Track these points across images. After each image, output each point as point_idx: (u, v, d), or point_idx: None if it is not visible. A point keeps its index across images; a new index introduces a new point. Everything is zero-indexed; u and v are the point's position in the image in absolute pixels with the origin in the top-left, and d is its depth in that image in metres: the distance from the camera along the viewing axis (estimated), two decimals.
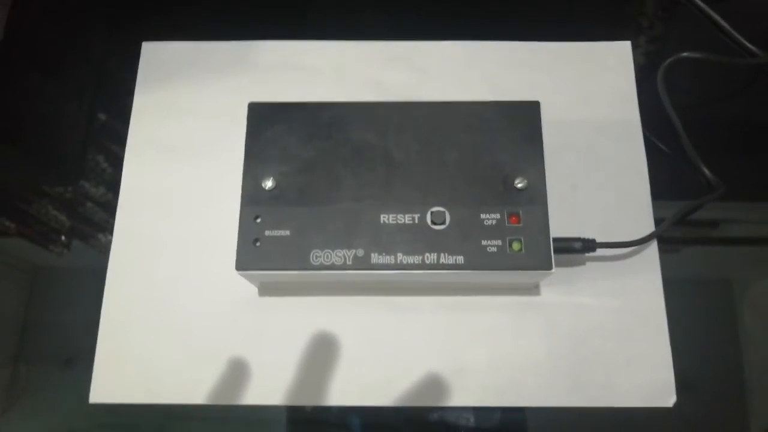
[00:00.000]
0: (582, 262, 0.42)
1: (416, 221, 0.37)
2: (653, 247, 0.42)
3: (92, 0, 0.52)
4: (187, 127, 0.46)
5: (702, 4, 0.48)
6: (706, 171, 0.43)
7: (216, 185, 0.44)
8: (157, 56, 0.48)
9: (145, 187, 0.45)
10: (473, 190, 0.37)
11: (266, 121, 0.39)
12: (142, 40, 0.49)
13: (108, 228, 0.44)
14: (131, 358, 0.41)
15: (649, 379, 0.40)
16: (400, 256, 0.36)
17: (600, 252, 0.41)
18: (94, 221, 0.46)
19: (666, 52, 0.47)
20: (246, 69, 0.48)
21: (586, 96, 0.47)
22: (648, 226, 0.43)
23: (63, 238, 0.44)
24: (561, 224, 0.41)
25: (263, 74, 0.48)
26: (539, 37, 0.48)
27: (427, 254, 0.36)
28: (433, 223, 0.37)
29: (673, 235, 0.43)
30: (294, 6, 0.51)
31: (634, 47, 0.48)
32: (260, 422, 0.40)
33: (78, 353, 0.42)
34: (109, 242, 0.43)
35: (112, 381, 0.40)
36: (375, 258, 0.36)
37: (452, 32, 0.49)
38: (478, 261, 0.36)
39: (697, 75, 0.48)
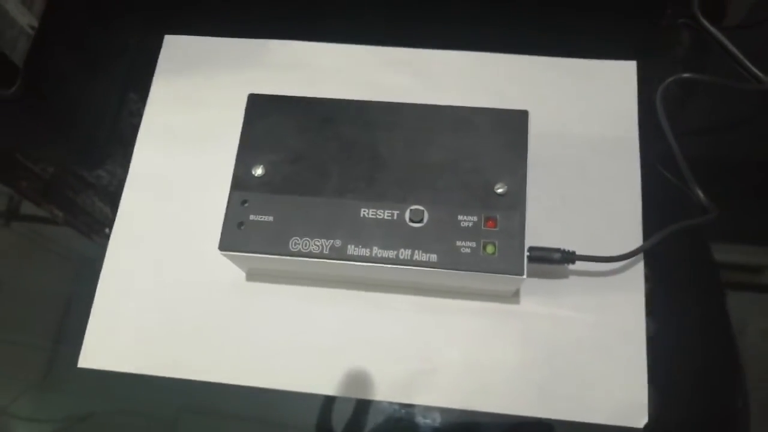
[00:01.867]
0: (565, 275, 0.42)
1: (395, 217, 0.38)
2: (638, 265, 0.42)
3: None
4: (198, 117, 0.49)
5: (710, 26, 0.48)
6: (701, 194, 0.43)
7: (218, 172, 0.45)
8: (177, 49, 0.51)
9: (151, 170, 0.47)
10: (454, 191, 0.38)
11: (263, 112, 0.41)
12: (167, 32, 0.52)
13: None
14: (122, 329, 0.43)
15: (621, 397, 0.39)
16: (375, 249, 0.37)
17: (584, 266, 0.41)
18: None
19: (671, 72, 0.47)
20: (257, 65, 0.50)
21: (587, 112, 0.47)
22: (636, 243, 0.42)
23: (107, 230, 0.46)
24: (547, 234, 0.41)
25: (272, 71, 0.50)
26: (545, 51, 0.49)
27: (402, 250, 0.37)
28: (411, 220, 0.38)
29: (662, 253, 0.42)
30: (307, 9, 0.53)
31: (639, 66, 0.47)
32: (278, 424, 0.42)
33: None
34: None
35: (102, 349, 0.42)
36: (351, 249, 0.37)
37: (456, 42, 0.50)
38: (451, 260, 0.36)
39: (702, 97, 0.47)
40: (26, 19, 0.50)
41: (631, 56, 0.48)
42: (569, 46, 0.49)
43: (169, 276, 0.44)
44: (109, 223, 0.46)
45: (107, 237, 0.46)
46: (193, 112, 0.49)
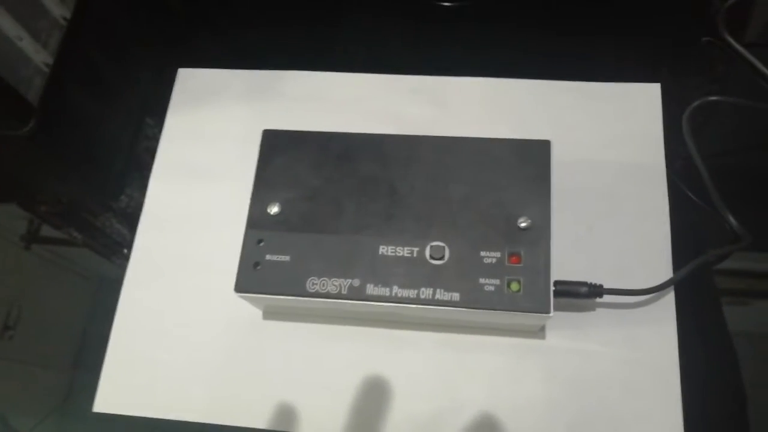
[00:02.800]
0: (592, 308, 0.41)
1: (415, 254, 0.37)
2: (669, 296, 0.40)
3: (141, 27, 0.55)
4: (213, 151, 0.48)
5: (736, 44, 0.46)
6: (732, 220, 0.41)
7: (234, 208, 0.45)
8: (191, 82, 0.51)
9: (167, 205, 0.47)
10: (475, 226, 0.37)
11: (278, 148, 0.40)
12: (181, 66, 0.51)
13: None
14: (138, 371, 0.42)
15: None
16: (395, 288, 0.36)
17: (612, 298, 0.40)
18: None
19: (696, 93, 0.45)
20: (272, 97, 0.49)
21: (610, 137, 0.45)
22: (665, 275, 0.41)
23: (125, 251, 0.46)
24: (573, 266, 0.40)
25: (288, 103, 0.49)
26: (568, 76, 0.47)
27: (423, 288, 0.36)
28: (432, 257, 0.36)
29: (692, 286, 0.41)
30: (322, 39, 0.52)
31: (664, 89, 0.46)
32: None
33: None
34: None
35: (117, 392, 0.42)
36: (370, 289, 0.36)
37: (477, 68, 0.49)
38: (474, 299, 0.35)
39: (728, 119, 0.46)
40: (41, 57, 0.50)
41: (654, 78, 0.47)
42: (590, 69, 0.47)
43: (185, 315, 0.43)
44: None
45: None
46: (208, 145, 0.48)
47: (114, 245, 0.47)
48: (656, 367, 0.39)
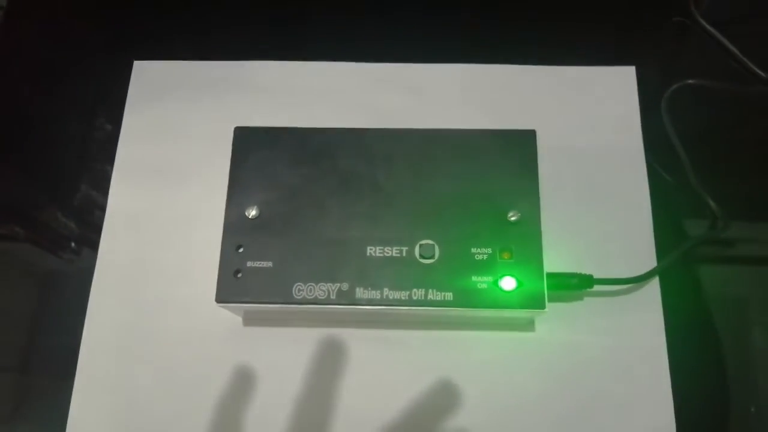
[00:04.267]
0: (580, 298, 0.40)
1: (404, 254, 0.35)
2: (654, 283, 0.40)
3: (91, 14, 0.51)
4: (177, 149, 0.45)
5: (710, 28, 0.46)
6: (712, 203, 0.41)
7: (203, 209, 0.43)
8: (148, 75, 0.48)
9: (131, 209, 0.44)
10: (464, 222, 0.36)
11: (252, 146, 0.38)
12: (138, 58, 0.48)
13: None
14: (110, 390, 0.39)
15: (648, 422, 0.38)
16: (386, 291, 0.35)
17: (598, 287, 0.40)
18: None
19: (672, 77, 0.45)
20: (238, 89, 0.47)
21: (587, 122, 0.45)
22: (649, 261, 0.41)
23: (73, 245, 0.43)
24: (557, 256, 0.39)
25: (255, 95, 0.46)
26: (541, 61, 0.47)
27: (415, 290, 0.35)
28: (422, 256, 0.35)
29: (675, 270, 0.41)
30: (289, 26, 0.50)
31: (640, 73, 0.46)
32: None
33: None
34: None
35: (90, 415, 0.39)
36: (360, 293, 0.35)
37: (450, 55, 0.47)
38: (468, 298, 0.34)
39: (704, 102, 0.46)
40: None
41: (629, 63, 0.46)
42: (562, 54, 0.47)
43: (158, 327, 0.41)
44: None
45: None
46: (172, 143, 0.45)
47: (60, 239, 0.44)
48: (645, 353, 0.39)
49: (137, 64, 0.48)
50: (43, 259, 0.45)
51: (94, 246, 0.43)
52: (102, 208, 0.44)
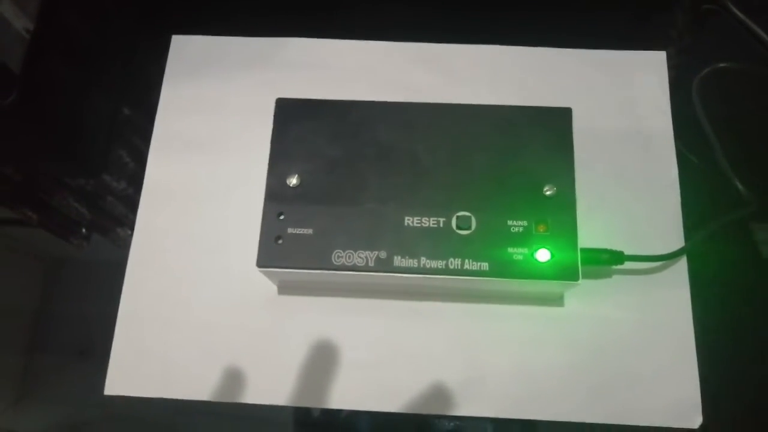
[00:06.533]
0: (608, 274, 0.41)
1: (441, 225, 0.36)
2: (682, 262, 0.41)
3: None
4: (213, 122, 0.46)
5: (740, 15, 0.47)
6: (739, 185, 0.42)
7: (239, 181, 0.44)
8: (186, 50, 0.48)
9: (168, 181, 0.45)
10: (501, 195, 0.36)
11: (293, 118, 0.39)
12: (171, 33, 0.49)
13: (127, 223, 0.44)
14: (147, 352, 0.40)
15: (674, 397, 0.38)
16: (423, 260, 0.35)
17: (627, 264, 0.40)
18: (114, 215, 0.46)
19: (700, 62, 0.46)
20: (273, 65, 0.47)
21: (618, 105, 0.46)
22: (677, 240, 0.41)
23: (83, 230, 0.44)
24: (588, 233, 0.40)
25: (290, 71, 0.47)
26: (572, 45, 0.47)
27: (451, 259, 0.35)
28: (459, 227, 0.36)
29: (702, 249, 0.42)
30: (324, 3, 0.50)
31: (668, 56, 0.46)
32: (268, 421, 0.40)
33: (92, 345, 0.42)
34: (128, 237, 0.43)
35: (128, 374, 0.40)
36: (398, 261, 0.35)
37: (483, 36, 0.48)
38: (504, 269, 0.35)
39: (734, 87, 0.46)
40: (21, 23, 0.47)
41: (657, 47, 0.47)
42: (596, 38, 0.47)
43: (195, 294, 0.42)
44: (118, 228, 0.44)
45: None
46: (209, 117, 0.46)
47: (71, 225, 0.45)
48: (672, 329, 0.40)
49: (175, 39, 0.49)
50: (53, 244, 0.46)
51: (104, 232, 0.44)
52: (114, 194, 0.45)
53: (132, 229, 0.43)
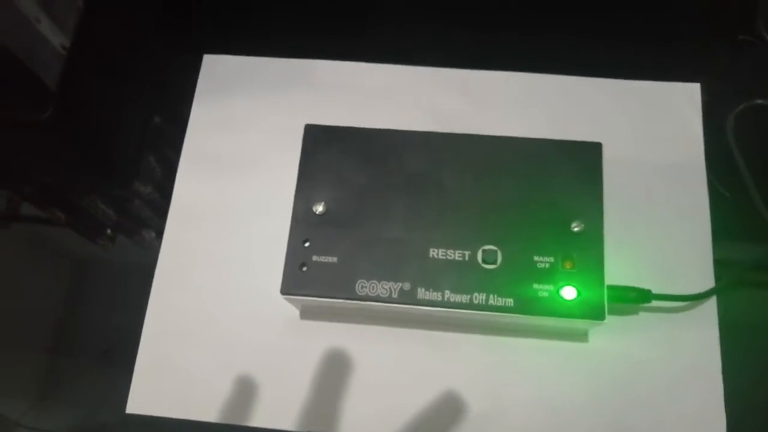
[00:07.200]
0: (635, 311, 0.41)
1: (466, 258, 0.36)
2: (711, 301, 0.40)
3: (158, 10, 0.53)
4: (242, 142, 0.46)
5: None
6: None
7: (267, 202, 0.44)
8: (217, 69, 0.49)
9: (196, 198, 0.45)
10: (527, 230, 0.36)
11: (321, 144, 0.39)
12: (203, 52, 0.49)
13: (152, 225, 0.45)
14: (170, 371, 0.41)
15: None
16: (447, 293, 0.35)
17: (654, 302, 0.40)
18: (141, 218, 0.46)
19: (737, 96, 0.45)
20: (302, 87, 0.48)
21: (649, 137, 0.45)
22: (707, 277, 0.41)
23: (109, 231, 0.45)
24: (615, 267, 0.39)
25: (319, 93, 0.47)
26: (606, 75, 0.47)
27: (476, 294, 0.35)
28: (484, 261, 0.36)
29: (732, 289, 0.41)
30: (353, 26, 0.51)
31: (702, 88, 0.46)
32: None
33: (114, 347, 0.43)
34: (153, 239, 0.44)
35: (150, 393, 0.40)
36: (421, 293, 0.35)
37: (514, 63, 0.48)
38: (529, 305, 0.35)
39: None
40: (59, 39, 0.48)
41: (692, 78, 0.46)
42: (629, 69, 0.47)
43: (218, 315, 0.42)
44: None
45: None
46: (238, 136, 0.46)
47: (98, 227, 0.46)
48: (699, 370, 0.39)
49: (207, 58, 0.49)
50: (80, 245, 0.46)
51: (129, 234, 0.45)
52: (142, 197, 0.46)
53: (156, 231, 0.44)
